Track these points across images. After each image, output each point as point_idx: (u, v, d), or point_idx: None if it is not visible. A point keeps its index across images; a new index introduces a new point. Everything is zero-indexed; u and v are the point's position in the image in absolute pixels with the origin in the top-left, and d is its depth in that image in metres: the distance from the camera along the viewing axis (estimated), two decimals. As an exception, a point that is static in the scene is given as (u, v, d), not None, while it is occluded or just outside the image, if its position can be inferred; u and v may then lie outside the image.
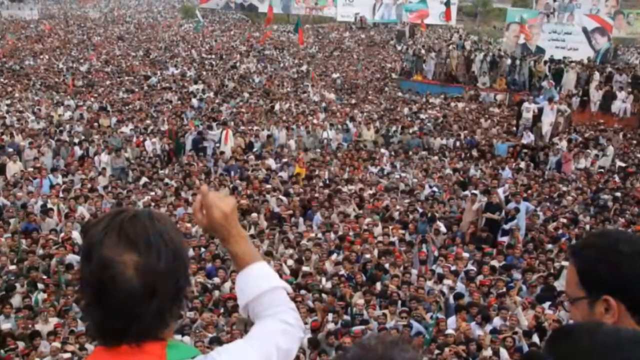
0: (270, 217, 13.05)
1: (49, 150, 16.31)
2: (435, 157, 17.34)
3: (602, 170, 16.51)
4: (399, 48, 37.42)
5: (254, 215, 12.64)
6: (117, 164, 15.80)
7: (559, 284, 9.83)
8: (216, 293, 9.85)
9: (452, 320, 9.16)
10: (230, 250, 1.66)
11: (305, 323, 8.34)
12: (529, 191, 14.44)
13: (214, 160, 16.62)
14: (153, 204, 12.88)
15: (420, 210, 13.01)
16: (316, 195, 13.93)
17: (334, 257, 11.24)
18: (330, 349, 8.36)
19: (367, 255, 11.10)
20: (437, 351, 8.24)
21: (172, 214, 12.39)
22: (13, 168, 15.20)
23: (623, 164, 17.16)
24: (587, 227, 12.47)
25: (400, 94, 26.56)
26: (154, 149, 17.04)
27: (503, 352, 8.31)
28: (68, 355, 8.06)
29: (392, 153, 17.70)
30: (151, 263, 1.38)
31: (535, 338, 8.55)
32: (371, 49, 39.03)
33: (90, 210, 12.79)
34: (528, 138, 18.02)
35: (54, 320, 8.97)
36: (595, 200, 14.17)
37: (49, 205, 12.72)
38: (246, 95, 24.45)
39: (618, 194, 14.36)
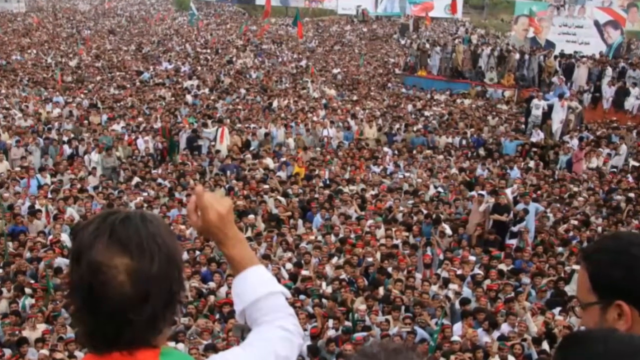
0: (268, 218, 13.02)
1: (36, 149, 16.22)
2: (441, 156, 17.22)
3: (614, 169, 16.52)
4: (402, 42, 37.62)
5: (251, 216, 12.61)
6: (108, 163, 15.68)
7: (570, 289, 9.81)
8: (211, 298, 9.78)
9: (457, 327, 9.13)
10: (226, 254, 1.67)
11: (305, 329, 8.52)
12: (539, 192, 14.40)
13: (209, 159, 16.49)
14: (145, 205, 12.93)
15: (425, 212, 12.95)
16: (316, 196, 13.88)
17: (334, 260, 11.15)
18: (331, 356, 8.39)
19: (370, 259, 11.03)
20: (442, 359, 8.22)
21: (166, 216, 12.42)
22: (-1, 167, 15.19)
23: (637, 163, 17.05)
24: (599, 229, 12.42)
25: (403, 90, 26.54)
26: (146, 147, 16.91)
27: (511, 360, 8.26)
28: (57, 362, 8.02)
29: (396, 152, 17.56)
30: (143, 267, 1.36)
31: (545, 345, 8.49)
32: (373, 43, 39.14)
33: (80, 212, 12.73)
34: (537, 136, 17.93)
35: (42, 327, 8.91)
36: (608, 201, 14.16)
37: (37, 207, 12.63)
38: (243, 91, 24.33)
39: (631, 194, 14.24)
